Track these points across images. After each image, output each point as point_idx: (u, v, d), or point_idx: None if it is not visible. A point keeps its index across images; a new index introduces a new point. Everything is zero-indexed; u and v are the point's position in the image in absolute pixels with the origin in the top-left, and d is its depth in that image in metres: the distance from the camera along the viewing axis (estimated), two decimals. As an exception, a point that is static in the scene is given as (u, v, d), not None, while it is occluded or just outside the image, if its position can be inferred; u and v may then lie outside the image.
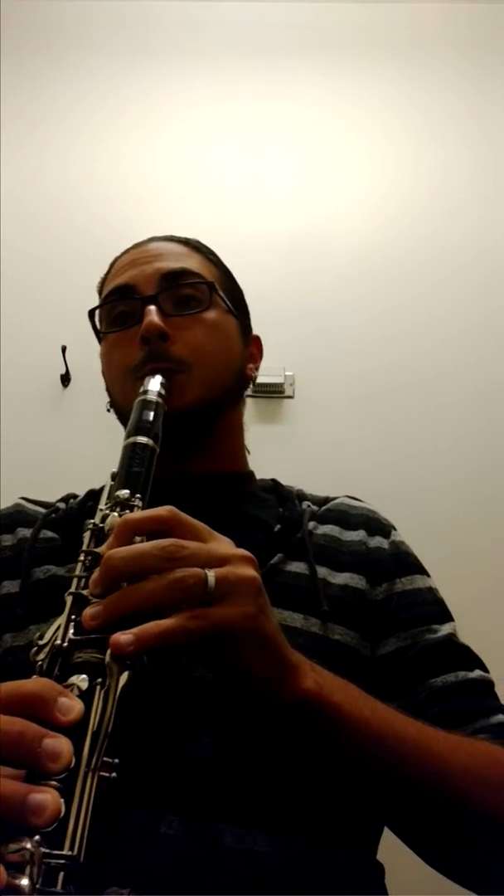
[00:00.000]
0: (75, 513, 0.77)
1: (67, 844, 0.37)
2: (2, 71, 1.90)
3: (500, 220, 1.81)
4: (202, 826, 0.54)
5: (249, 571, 0.48)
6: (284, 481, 0.88)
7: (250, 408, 1.73)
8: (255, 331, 0.93)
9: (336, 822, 0.59)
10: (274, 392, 1.69)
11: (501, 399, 1.70)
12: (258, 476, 0.88)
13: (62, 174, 1.86)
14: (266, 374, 1.66)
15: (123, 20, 1.96)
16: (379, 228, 1.81)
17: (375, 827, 0.66)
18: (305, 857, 0.56)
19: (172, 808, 0.54)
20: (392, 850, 0.64)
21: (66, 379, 1.70)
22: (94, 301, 0.86)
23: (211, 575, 0.45)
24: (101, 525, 0.55)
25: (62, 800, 0.37)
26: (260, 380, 1.65)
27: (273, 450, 1.64)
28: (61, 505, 0.81)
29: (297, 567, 0.71)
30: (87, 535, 0.55)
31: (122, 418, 0.78)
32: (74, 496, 0.83)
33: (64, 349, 1.67)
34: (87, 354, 1.72)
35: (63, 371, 1.69)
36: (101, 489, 0.78)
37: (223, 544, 0.50)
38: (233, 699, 0.53)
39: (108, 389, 0.83)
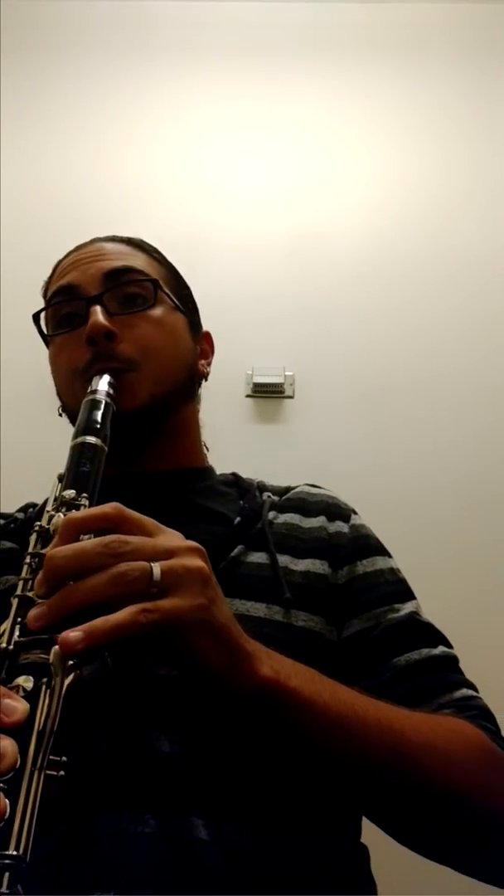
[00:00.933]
0: (33, 521, 0.77)
1: (13, 844, 0.37)
2: (2, 71, 1.90)
3: (500, 221, 1.81)
4: (177, 822, 0.54)
5: (197, 562, 0.48)
6: (284, 480, 0.88)
7: (250, 408, 1.75)
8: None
9: (310, 808, 0.59)
10: (274, 392, 1.69)
11: (501, 399, 1.70)
12: (256, 475, 0.88)
13: (62, 174, 1.86)
14: (266, 374, 1.67)
15: (123, 20, 1.96)
16: (379, 228, 1.81)
17: (353, 809, 0.66)
18: (283, 845, 0.56)
19: (146, 806, 0.54)
20: (382, 834, 0.65)
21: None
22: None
23: (156, 567, 0.45)
24: (46, 526, 0.54)
25: (7, 801, 0.37)
26: (260, 380, 1.68)
27: (273, 450, 1.64)
28: (20, 515, 0.81)
29: (259, 557, 0.71)
30: (32, 537, 0.55)
31: (73, 420, 0.77)
32: (34, 505, 0.83)
33: (64, 349, 1.67)
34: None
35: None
36: None
37: (170, 537, 0.49)
38: (197, 694, 0.53)
39: (58, 393, 0.83)
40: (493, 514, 1.61)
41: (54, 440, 1.87)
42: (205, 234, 1.74)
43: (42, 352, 1.86)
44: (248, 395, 1.68)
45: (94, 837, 0.52)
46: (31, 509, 0.82)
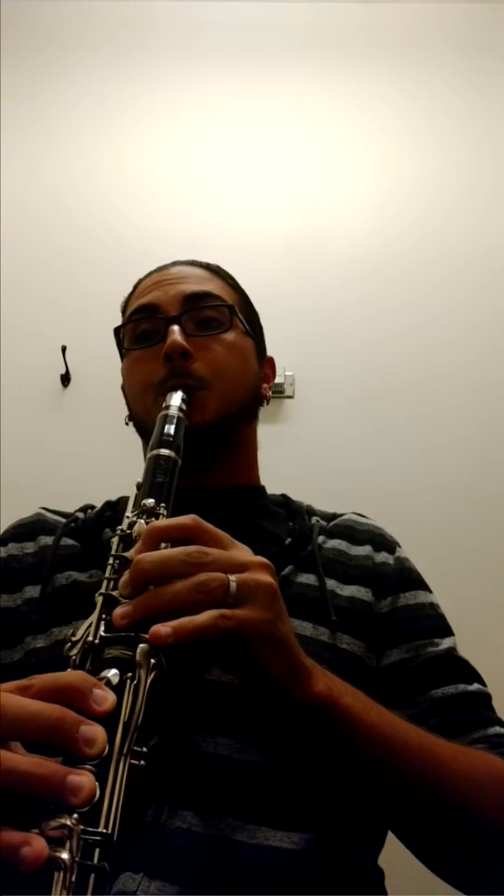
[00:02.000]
0: (93, 522, 0.81)
1: (102, 823, 0.40)
2: (2, 71, 1.90)
3: (500, 221, 1.81)
4: (215, 821, 0.57)
5: (267, 578, 0.51)
6: (284, 481, 0.90)
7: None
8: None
9: (343, 822, 0.62)
10: (274, 392, 1.68)
11: (501, 399, 1.70)
12: (262, 480, 0.90)
13: (62, 174, 1.86)
14: (266, 374, 1.67)
15: (123, 20, 1.96)
16: (379, 228, 1.81)
17: (380, 831, 0.68)
18: (312, 854, 0.58)
19: (186, 803, 0.57)
20: (392, 856, 0.65)
21: (66, 379, 1.70)
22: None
23: (233, 579, 0.48)
24: (128, 531, 0.58)
25: (97, 783, 0.40)
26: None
27: (273, 450, 1.63)
28: (80, 515, 0.84)
29: (307, 579, 0.74)
30: (115, 540, 0.59)
31: (141, 431, 0.83)
32: (92, 507, 0.87)
33: (64, 349, 1.68)
34: (87, 354, 1.74)
35: (63, 371, 1.69)
36: (118, 500, 0.84)
37: (243, 552, 0.53)
38: (246, 700, 0.56)
39: (128, 404, 0.87)
40: (494, 514, 1.61)
41: (54, 440, 1.87)
42: (204, 234, 1.74)
43: (42, 352, 1.86)
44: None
45: (134, 827, 0.54)
46: (89, 510, 0.86)
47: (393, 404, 1.69)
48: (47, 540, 0.79)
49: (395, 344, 1.73)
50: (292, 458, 1.56)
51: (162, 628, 0.45)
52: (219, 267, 0.91)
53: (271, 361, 0.96)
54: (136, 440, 0.88)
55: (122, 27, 1.95)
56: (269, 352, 0.96)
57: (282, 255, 1.78)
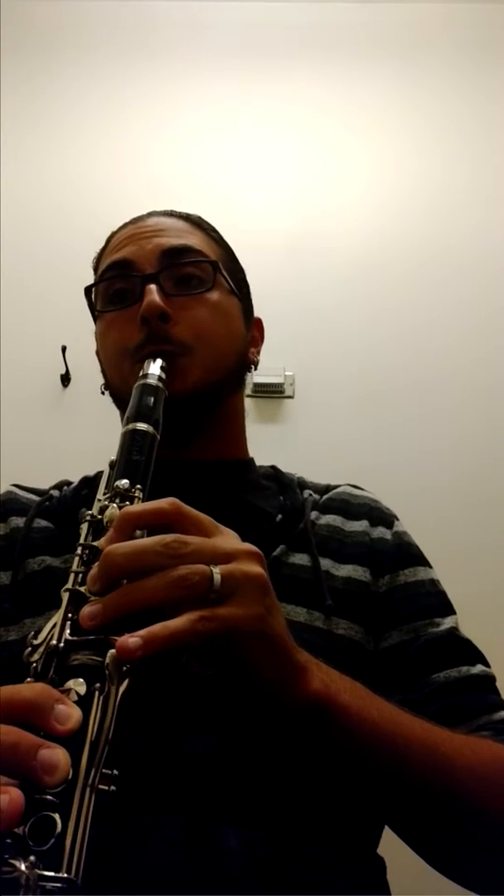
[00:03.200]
0: (69, 501, 0.74)
1: (65, 865, 0.34)
2: (2, 71, 1.90)
3: (500, 220, 1.81)
4: (202, 828, 0.52)
5: (256, 568, 0.46)
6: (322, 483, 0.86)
7: (250, 408, 1.73)
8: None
9: (339, 821, 0.59)
10: (274, 392, 1.69)
11: (501, 399, 1.70)
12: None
13: (62, 174, 1.86)
14: (266, 374, 1.67)
15: (123, 20, 1.96)
16: (379, 228, 1.81)
17: (377, 825, 0.66)
18: (307, 858, 0.55)
19: (174, 809, 0.53)
20: (394, 845, 0.64)
21: (66, 379, 1.70)
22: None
23: (217, 572, 0.44)
24: (99, 517, 0.52)
25: (57, 816, 0.35)
26: (260, 380, 1.68)
27: (273, 450, 1.63)
28: (55, 493, 0.78)
29: (300, 559, 0.69)
30: (84, 527, 0.52)
31: (119, 401, 0.75)
32: (68, 483, 0.81)
33: (64, 349, 1.68)
34: (87, 354, 1.72)
35: (63, 371, 1.69)
36: (96, 476, 0.76)
37: (228, 539, 0.48)
38: (234, 696, 0.51)
39: (103, 371, 0.80)
40: (494, 514, 1.61)
41: (54, 440, 1.87)
42: (205, 234, 1.74)
43: (42, 352, 1.86)
44: (248, 395, 1.67)
45: (117, 837, 0.50)
46: (65, 487, 0.79)
47: (393, 404, 1.69)
48: (19, 521, 0.72)
49: (394, 344, 1.73)
50: (292, 458, 1.55)
51: (130, 640, 0.40)
52: (200, 218, 0.83)
53: (259, 323, 0.88)
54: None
55: (122, 27, 1.95)
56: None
57: (282, 254, 1.78)
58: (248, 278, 0.88)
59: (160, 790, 0.53)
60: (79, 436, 1.65)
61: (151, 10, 1.96)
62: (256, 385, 1.67)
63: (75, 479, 0.82)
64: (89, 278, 0.89)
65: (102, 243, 0.86)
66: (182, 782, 0.54)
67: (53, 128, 1.89)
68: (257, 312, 0.90)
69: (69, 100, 1.91)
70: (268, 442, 1.72)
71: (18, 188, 1.84)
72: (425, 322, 1.75)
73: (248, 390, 1.53)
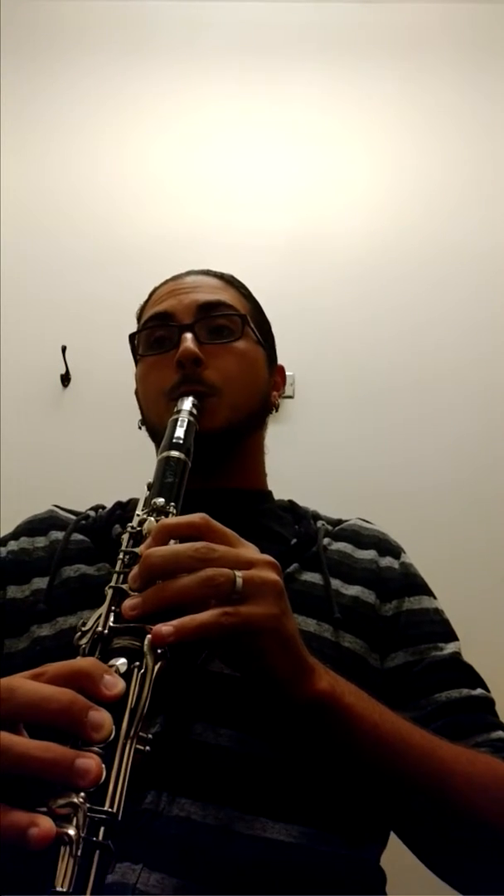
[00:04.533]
0: (104, 520, 0.83)
1: (108, 803, 0.41)
2: (2, 71, 1.90)
3: (500, 220, 1.81)
4: (213, 810, 0.58)
5: (273, 575, 0.52)
6: (284, 481, 0.92)
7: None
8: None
9: (344, 818, 0.62)
10: (274, 392, 1.69)
11: (501, 399, 1.70)
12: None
13: (62, 174, 1.86)
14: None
15: (123, 20, 1.96)
16: (379, 228, 1.81)
17: (382, 830, 0.69)
18: (310, 848, 0.59)
19: (186, 791, 0.58)
20: (395, 858, 0.65)
21: (66, 379, 1.70)
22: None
23: (239, 576, 0.49)
24: (138, 528, 0.60)
25: (104, 765, 0.41)
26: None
27: (273, 449, 1.64)
28: (91, 513, 0.87)
29: (312, 577, 0.75)
30: (125, 536, 0.60)
31: (154, 435, 0.84)
32: (103, 507, 0.89)
33: (64, 349, 1.68)
34: (87, 354, 1.74)
35: (63, 371, 1.69)
36: (129, 501, 0.86)
37: (250, 550, 0.54)
38: (247, 693, 0.56)
39: (141, 408, 0.89)
40: (494, 514, 1.61)
41: (54, 440, 1.87)
42: (205, 234, 1.74)
43: (42, 352, 1.86)
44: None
45: (133, 813, 0.54)
46: (100, 509, 0.88)
47: (393, 404, 1.69)
48: (58, 535, 0.81)
49: (395, 344, 1.73)
50: (292, 458, 1.56)
51: (164, 628, 0.47)
52: (232, 277, 0.93)
53: (281, 370, 0.97)
54: (137, 440, 0.88)
55: (122, 27, 1.96)
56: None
57: (282, 254, 1.78)
58: (249, 278, 0.92)
59: (174, 773, 0.59)
60: (79, 436, 1.65)
61: (151, 10, 1.96)
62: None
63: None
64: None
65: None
66: (194, 768, 0.60)
67: (53, 128, 1.89)
68: (269, 321, 0.94)
69: (69, 100, 1.91)
70: (268, 442, 1.72)
71: (18, 188, 1.84)
72: (425, 322, 1.75)
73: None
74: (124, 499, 0.87)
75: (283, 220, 1.81)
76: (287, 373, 1.69)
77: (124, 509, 0.84)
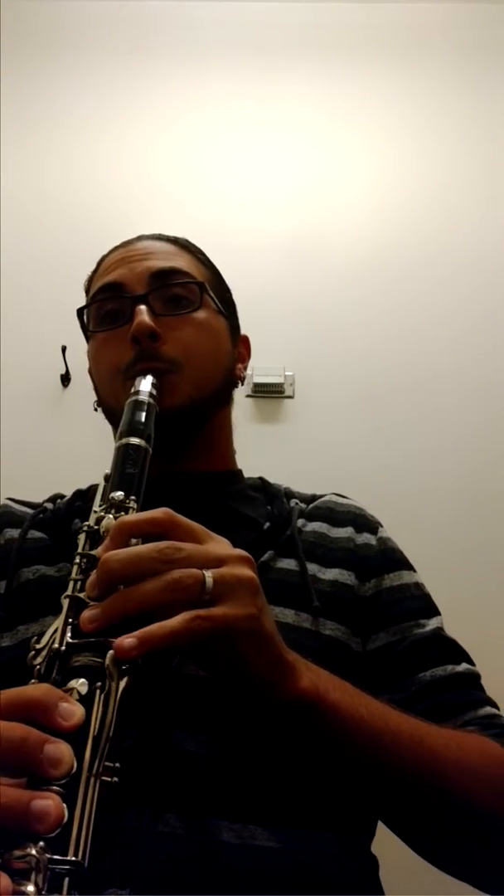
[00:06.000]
0: (63, 513, 0.77)
1: (72, 850, 0.37)
2: (2, 71, 1.90)
3: (500, 220, 1.81)
4: (200, 823, 0.54)
5: (247, 571, 0.48)
6: (284, 481, 0.88)
7: (250, 408, 1.74)
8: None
9: (331, 815, 0.60)
10: (274, 392, 1.69)
11: (501, 399, 1.70)
12: (256, 475, 0.88)
13: (62, 174, 1.86)
14: (266, 374, 1.67)
15: (123, 20, 1.96)
16: (379, 228, 1.81)
17: (370, 818, 0.67)
18: (304, 849, 0.57)
19: (169, 805, 0.54)
20: (387, 845, 0.65)
21: (66, 379, 1.70)
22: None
23: (209, 575, 0.46)
24: (95, 527, 0.54)
25: (65, 805, 0.37)
26: (260, 380, 1.68)
27: (273, 450, 1.64)
28: (49, 505, 0.81)
29: (287, 564, 0.71)
30: (81, 537, 0.55)
31: (111, 417, 0.78)
32: (61, 496, 0.83)
33: (64, 349, 1.67)
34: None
35: (63, 371, 1.69)
36: (89, 489, 0.79)
37: (220, 545, 0.50)
38: (226, 695, 0.53)
39: (96, 388, 0.83)
40: (494, 513, 1.61)
41: (54, 440, 1.87)
42: (204, 234, 1.73)
43: (42, 352, 1.86)
44: (248, 395, 1.68)
45: (114, 833, 0.51)
46: (59, 500, 0.82)
47: (393, 404, 1.69)
48: (13, 533, 0.75)
49: (395, 343, 1.73)
50: (292, 458, 1.56)
51: (126, 640, 0.42)
52: (187, 241, 0.86)
53: (246, 340, 0.91)
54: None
55: (122, 27, 1.96)
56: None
57: (282, 254, 1.78)
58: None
59: (155, 787, 0.55)
60: (78, 436, 1.65)
61: (151, 10, 1.96)
62: (256, 385, 1.68)
63: (75, 480, 0.84)
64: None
65: (104, 243, 0.88)
66: (176, 779, 0.56)
67: (54, 128, 1.89)
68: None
69: (69, 100, 1.91)
70: (268, 442, 1.72)
71: (18, 188, 1.84)
72: (425, 322, 1.75)
73: (248, 391, 1.54)
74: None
75: (282, 219, 1.81)
76: (287, 373, 1.72)
77: (84, 499, 0.78)
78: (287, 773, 0.58)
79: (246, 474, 0.87)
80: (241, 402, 1.69)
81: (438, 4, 1.94)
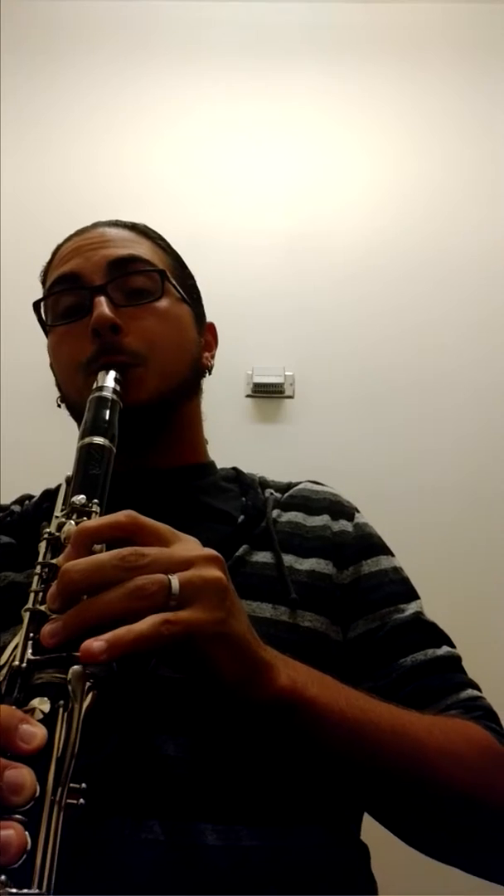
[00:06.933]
0: (30, 515, 0.75)
1: (35, 881, 0.35)
2: (2, 71, 1.90)
3: (500, 220, 1.81)
4: (183, 827, 0.53)
5: (215, 572, 0.47)
6: (285, 480, 0.87)
7: (250, 408, 1.74)
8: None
9: (316, 809, 0.59)
10: (274, 392, 1.69)
11: (502, 399, 1.70)
12: (256, 475, 0.87)
13: (62, 174, 1.86)
14: (266, 374, 1.67)
15: (123, 20, 1.95)
16: (379, 228, 1.81)
17: (357, 807, 0.66)
18: (292, 845, 0.56)
19: (151, 812, 0.53)
20: (377, 832, 0.65)
21: (62, 404, 1.69)
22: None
23: (175, 580, 0.44)
24: (57, 534, 0.52)
25: (27, 833, 0.36)
26: (260, 380, 1.68)
27: (273, 450, 1.64)
28: (16, 508, 0.79)
29: (263, 557, 0.70)
30: (42, 545, 0.53)
31: (75, 413, 0.76)
32: (30, 497, 0.81)
33: (64, 349, 1.67)
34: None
35: (59, 399, 1.68)
36: (58, 489, 0.75)
37: (188, 546, 0.48)
38: (204, 697, 0.52)
39: (58, 384, 0.81)
40: (494, 514, 1.61)
41: (54, 440, 1.87)
42: (205, 234, 1.74)
43: (42, 352, 1.86)
44: (248, 395, 1.68)
45: (98, 843, 0.50)
46: (27, 501, 0.80)
47: (393, 404, 1.69)
48: None
49: (395, 344, 1.73)
50: (292, 458, 1.56)
51: (94, 643, 0.40)
52: (146, 226, 0.83)
53: (212, 327, 0.88)
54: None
55: (122, 27, 1.95)
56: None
57: (282, 254, 1.78)
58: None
59: (137, 794, 0.54)
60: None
61: (151, 10, 1.96)
62: (256, 385, 1.67)
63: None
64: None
65: None
66: (158, 785, 0.55)
67: (53, 128, 1.89)
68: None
69: (69, 100, 1.91)
70: (268, 442, 1.73)
71: (18, 188, 1.84)
72: (425, 322, 1.74)
73: (248, 391, 1.54)
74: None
75: (282, 219, 1.81)
76: (287, 373, 1.72)
77: (53, 500, 0.73)
78: (269, 770, 0.57)
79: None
80: (241, 402, 1.70)
81: (438, 4, 1.94)
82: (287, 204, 1.83)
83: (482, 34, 1.93)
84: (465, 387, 1.70)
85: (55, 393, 0.84)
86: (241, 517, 0.74)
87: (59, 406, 0.81)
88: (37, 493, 0.83)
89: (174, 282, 0.79)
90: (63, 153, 1.87)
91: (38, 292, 0.87)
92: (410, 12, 1.93)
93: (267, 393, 1.68)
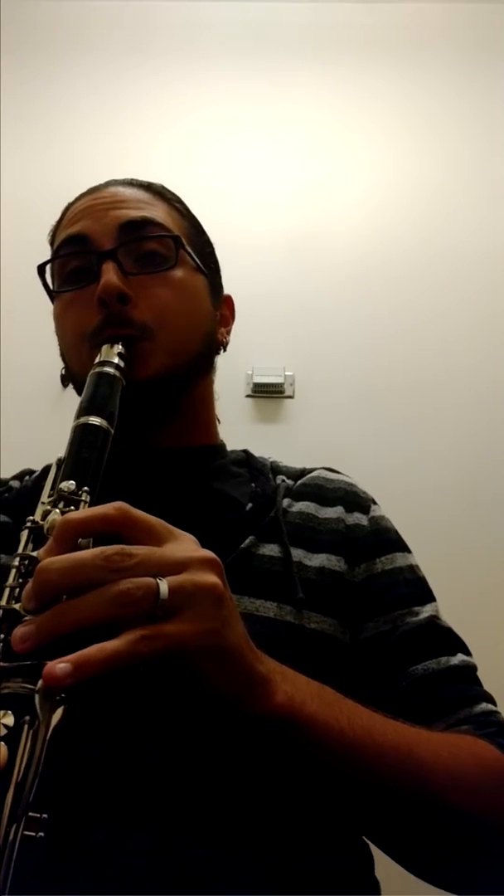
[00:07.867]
0: (28, 492, 0.70)
1: None
2: (2, 71, 1.90)
3: (500, 220, 1.81)
4: (169, 836, 0.50)
5: (210, 578, 0.43)
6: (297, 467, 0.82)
7: (250, 408, 1.74)
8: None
9: (312, 822, 0.55)
10: (274, 392, 1.69)
11: (502, 399, 1.70)
12: None
13: (63, 174, 1.85)
14: (266, 374, 1.67)
15: (123, 20, 1.96)
16: (379, 228, 1.81)
17: (355, 829, 0.62)
18: (288, 855, 0.53)
19: (138, 819, 0.50)
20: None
21: (66, 379, 1.69)
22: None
23: (164, 585, 0.40)
24: (41, 523, 0.47)
25: None
26: (260, 380, 1.68)
27: (273, 450, 1.63)
28: (15, 483, 0.74)
29: (271, 550, 0.65)
30: (23, 534, 0.48)
31: (79, 388, 0.69)
32: (31, 472, 0.76)
33: (64, 349, 1.67)
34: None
35: (63, 371, 1.69)
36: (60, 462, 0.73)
37: (182, 545, 0.44)
38: (193, 703, 0.49)
39: (62, 355, 0.75)
40: (494, 514, 1.61)
41: (54, 440, 1.86)
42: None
43: (42, 352, 1.85)
44: (248, 395, 1.68)
45: (84, 850, 0.48)
46: (27, 477, 0.75)
47: (393, 404, 1.69)
48: None
49: (395, 344, 1.73)
50: (292, 458, 1.55)
51: (58, 666, 0.36)
52: (163, 186, 0.77)
53: (229, 300, 0.82)
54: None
55: (123, 27, 1.95)
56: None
57: (283, 254, 1.78)
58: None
59: (124, 802, 0.51)
60: (79, 436, 1.65)
61: (151, 10, 1.96)
62: (256, 385, 1.68)
63: None
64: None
65: None
66: (144, 791, 0.51)
67: (54, 128, 1.89)
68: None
69: (69, 100, 1.91)
70: (268, 442, 1.72)
71: (19, 187, 1.84)
72: (425, 322, 1.74)
73: (248, 391, 1.53)
74: None
75: (283, 219, 1.81)
76: (287, 373, 1.72)
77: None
78: (260, 782, 0.53)
79: None
80: (241, 402, 1.70)
81: (438, 4, 1.94)
82: (287, 204, 1.83)
83: (482, 34, 1.93)
84: (465, 387, 1.70)
85: (55, 393, 0.82)
86: (250, 505, 0.68)
87: (63, 384, 0.75)
88: None
89: (190, 249, 0.73)
90: (64, 153, 1.87)
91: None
92: (410, 12, 1.93)
93: (267, 393, 1.68)
